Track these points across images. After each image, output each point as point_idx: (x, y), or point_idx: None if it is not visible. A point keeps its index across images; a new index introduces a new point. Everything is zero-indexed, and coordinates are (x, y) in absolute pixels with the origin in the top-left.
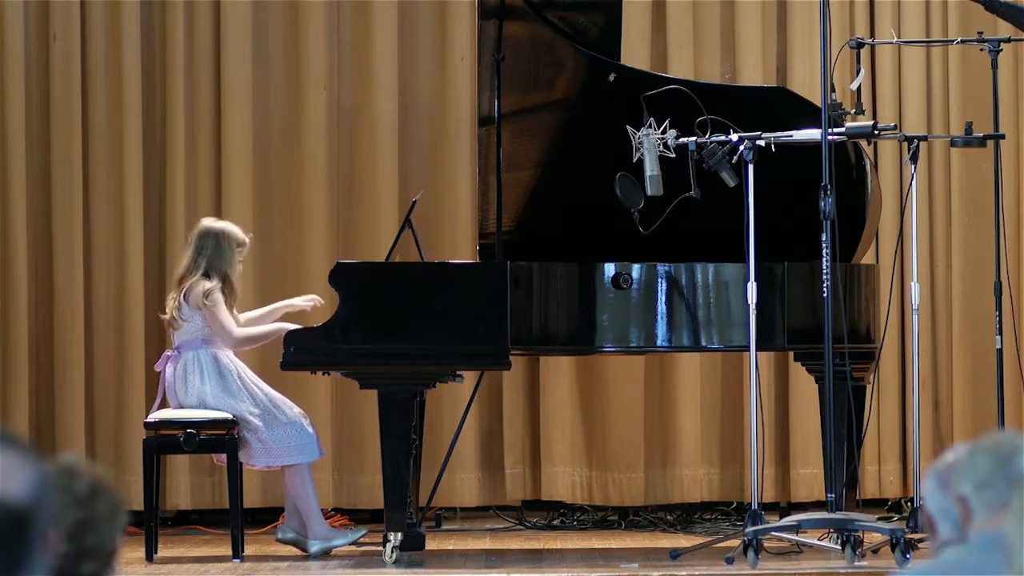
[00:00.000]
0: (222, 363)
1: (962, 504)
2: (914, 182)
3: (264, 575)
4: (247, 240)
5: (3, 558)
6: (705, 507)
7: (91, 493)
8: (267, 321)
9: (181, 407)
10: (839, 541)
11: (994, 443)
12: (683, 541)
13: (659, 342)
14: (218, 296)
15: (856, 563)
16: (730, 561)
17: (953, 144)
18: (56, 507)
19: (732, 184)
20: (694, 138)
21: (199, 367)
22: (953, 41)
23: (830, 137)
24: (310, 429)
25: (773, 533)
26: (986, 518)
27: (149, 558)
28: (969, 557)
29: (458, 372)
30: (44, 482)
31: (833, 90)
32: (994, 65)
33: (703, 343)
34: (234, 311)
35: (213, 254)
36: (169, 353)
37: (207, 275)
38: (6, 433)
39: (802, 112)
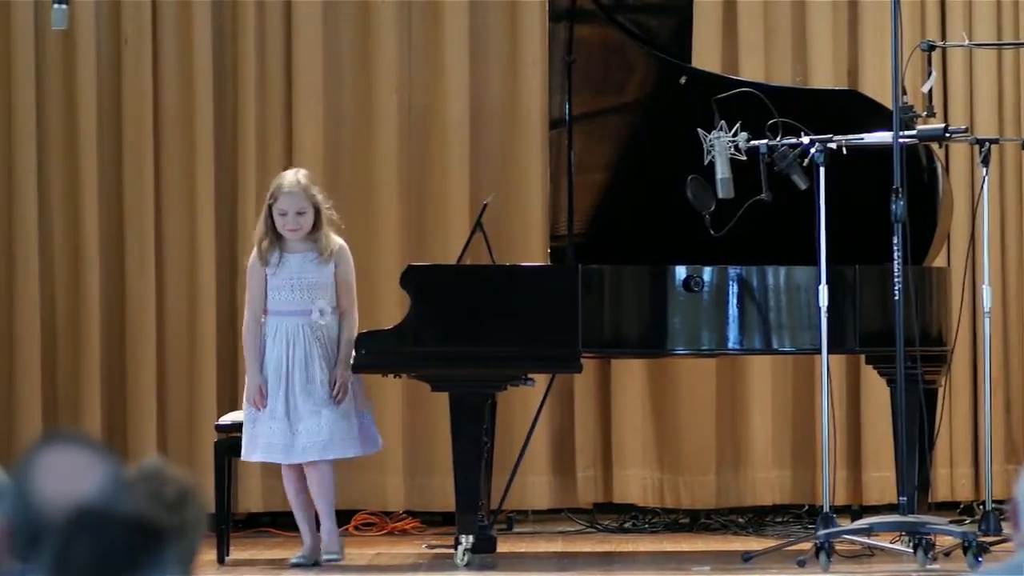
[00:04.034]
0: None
1: None
2: (986, 185)
3: None
4: (277, 188)
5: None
6: (777, 510)
7: (180, 498)
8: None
9: None
10: (911, 544)
11: None
12: (755, 544)
13: (730, 345)
14: (248, 268)
15: (928, 566)
16: (802, 564)
17: None
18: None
19: (803, 187)
20: (765, 141)
21: None
22: None
23: (901, 140)
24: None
25: (845, 536)
26: None
27: (221, 560)
28: None
29: (529, 375)
30: (122, 481)
31: (904, 93)
32: None
33: (774, 346)
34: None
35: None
36: None
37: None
38: (84, 435)
39: (873, 115)
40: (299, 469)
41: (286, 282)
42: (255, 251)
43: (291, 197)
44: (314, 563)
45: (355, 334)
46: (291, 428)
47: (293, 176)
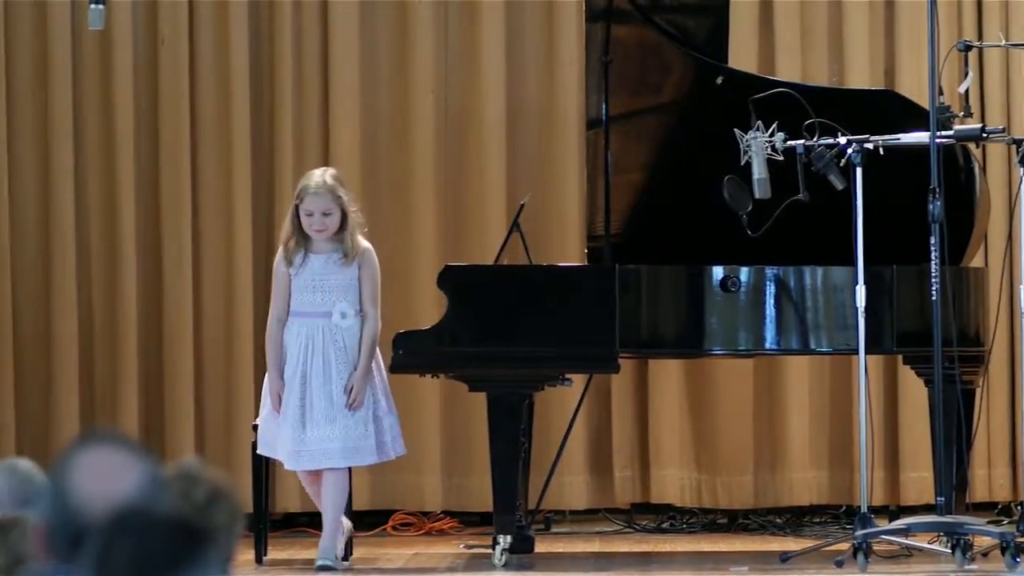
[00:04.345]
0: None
1: None
2: (1023, 185)
3: None
4: (304, 188)
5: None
6: (814, 510)
7: (210, 499)
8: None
9: None
10: (949, 545)
11: None
12: (792, 544)
13: (768, 345)
14: (273, 269)
15: (966, 567)
16: (840, 564)
17: None
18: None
19: (840, 187)
20: (802, 141)
21: None
22: None
23: (938, 140)
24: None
25: (883, 536)
26: None
27: (259, 560)
28: None
29: (567, 375)
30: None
31: (941, 93)
32: None
33: (812, 346)
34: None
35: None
36: None
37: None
38: (121, 435)
39: (910, 115)
40: (315, 471)
41: (308, 283)
42: (280, 251)
43: (317, 198)
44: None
45: (375, 339)
46: (303, 434)
47: (320, 176)
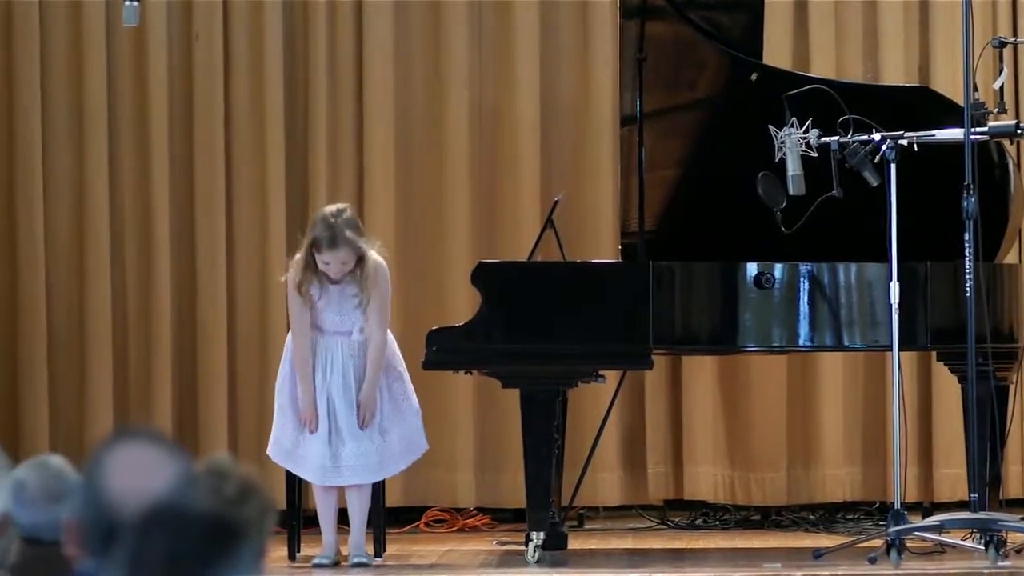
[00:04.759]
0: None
1: None
2: None
3: (406, 574)
4: (319, 240)
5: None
6: (848, 507)
7: (241, 495)
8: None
9: None
10: (982, 541)
11: None
12: (825, 541)
13: (801, 341)
14: (288, 294)
15: (999, 563)
16: (873, 561)
17: None
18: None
19: (875, 183)
20: (836, 138)
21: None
22: None
23: (973, 136)
24: None
25: (916, 533)
26: None
27: (292, 557)
28: None
29: (600, 372)
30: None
31: (976, 89)
32: None
33: (845, 343)
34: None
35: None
36: None
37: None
38: (155, 431)
39: (945, 111)
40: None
41: (327, 305)
42: (292, 287)
43: (335, 252)
44: (336, 563)
45: (380, 358)
46: (332, 450)
47: (336, 228)
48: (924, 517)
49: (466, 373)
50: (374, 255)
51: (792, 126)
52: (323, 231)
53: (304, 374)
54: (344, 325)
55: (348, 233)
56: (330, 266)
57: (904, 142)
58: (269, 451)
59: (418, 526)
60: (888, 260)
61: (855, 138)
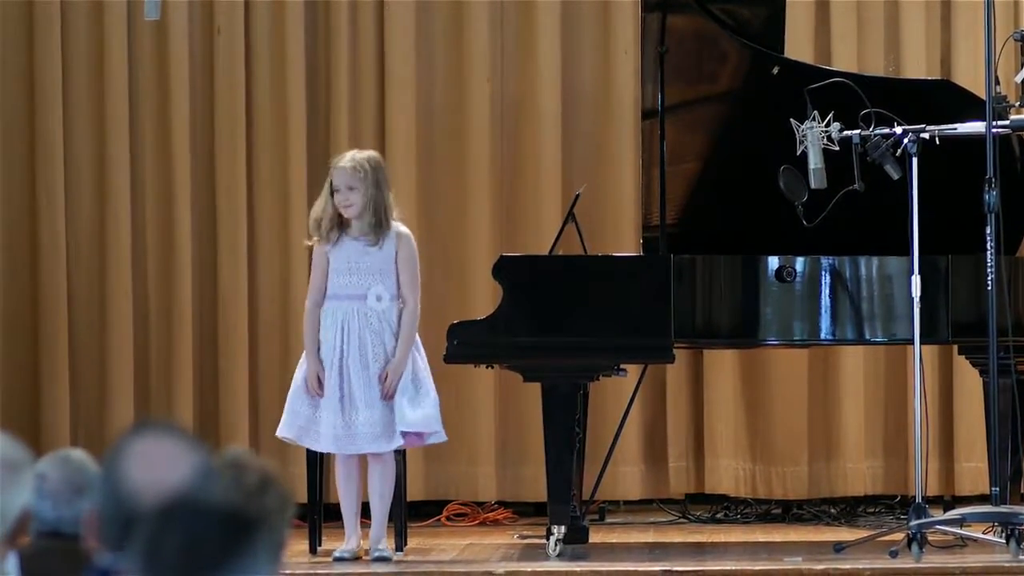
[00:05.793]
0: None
1: None
2: None
3: (427, 567)
4: (334, 162)
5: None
6: (869, 500)
7: (260, 486)
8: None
9: None
10: (1003, 535)
11: None
12: (847, 534)
13: (823, 335)
14: (313, 252)
15: (1020, 557)
16: (894, 555)
17: None
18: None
19: (896, 177)
20: (858, 131)
21: None
22: None
23: (994, 130)
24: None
25: (937, 527)
26: None
27: (313, 550)
28: None
29: (622, 365)
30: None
31: (997, 83)
32: None
33: (867, 336)
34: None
35: None
36: None
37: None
38: (175, 424)
39: (966, 105)
40: (356, 460)
41: (343, 265)
42: (314, 228)
43: (340, 172)
44: (357, 558)
45: (414, 326)
46: (345, 419)
47: (352, 153)
48: (945, 511)
49: (487, 367)
50: (400, 225)
51: (814, 119)
52: (341, 156)
53: (309, 339)
54: (359, 287)
55: (359, 157)
56: (340, 193)
57: (926, 136)
58: (280, 431)
59: (439, 520)
60: (910, 253)
61: (877, 131)
